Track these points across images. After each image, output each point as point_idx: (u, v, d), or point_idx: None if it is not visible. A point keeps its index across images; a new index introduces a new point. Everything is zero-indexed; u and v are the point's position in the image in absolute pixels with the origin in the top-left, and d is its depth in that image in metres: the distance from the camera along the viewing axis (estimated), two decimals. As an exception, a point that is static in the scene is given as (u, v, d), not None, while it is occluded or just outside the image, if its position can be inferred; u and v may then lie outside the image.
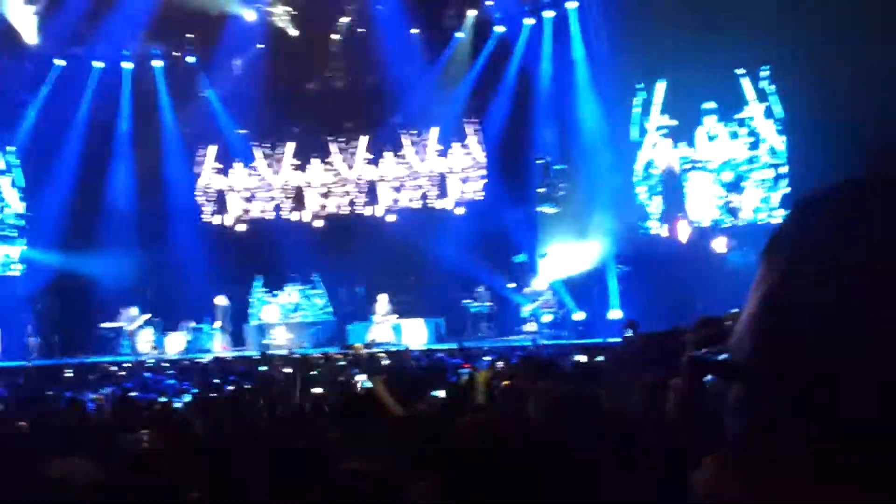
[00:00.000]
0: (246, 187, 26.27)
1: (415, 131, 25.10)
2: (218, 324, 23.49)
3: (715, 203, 20.92)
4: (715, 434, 0.96)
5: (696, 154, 21.03)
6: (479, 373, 7.46)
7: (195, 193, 26.21)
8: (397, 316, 22.49)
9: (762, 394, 0.88)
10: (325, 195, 25.93)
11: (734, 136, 20.62)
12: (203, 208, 26.24)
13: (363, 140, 25.60)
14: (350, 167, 25.74)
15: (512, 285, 22.54)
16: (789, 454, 0.85)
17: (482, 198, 24.24)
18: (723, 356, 1.00)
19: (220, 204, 26.31)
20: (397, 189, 25.50)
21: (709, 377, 1.29)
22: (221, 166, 26.33)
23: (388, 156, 25.40)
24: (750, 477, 0.89)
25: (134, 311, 23.61)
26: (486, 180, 24.44)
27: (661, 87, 21.03)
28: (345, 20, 24.80)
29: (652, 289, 19.77)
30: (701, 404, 2.22)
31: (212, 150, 26.21)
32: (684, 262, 20.51)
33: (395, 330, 22.17)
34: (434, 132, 24.81)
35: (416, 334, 21.92)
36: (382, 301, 22.66)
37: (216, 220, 26.24)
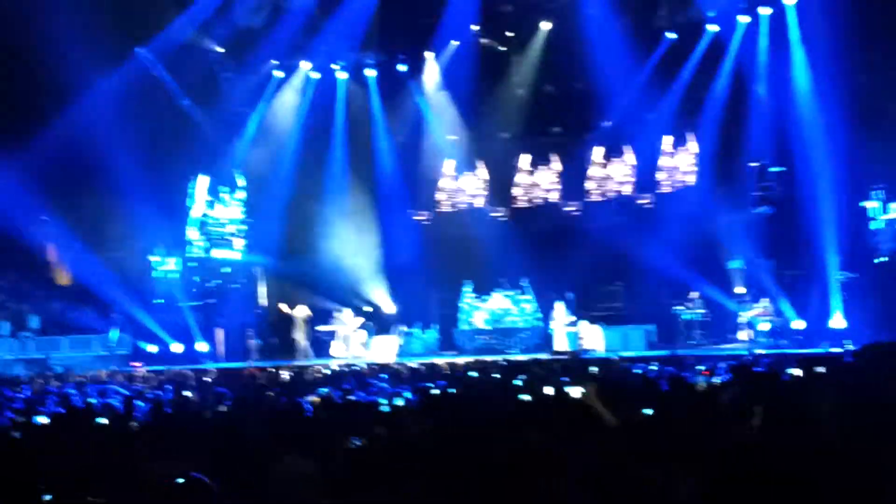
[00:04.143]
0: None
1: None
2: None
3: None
4: None
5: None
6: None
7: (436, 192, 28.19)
8: (574, 321, 23.65)
9: None
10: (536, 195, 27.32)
11: None
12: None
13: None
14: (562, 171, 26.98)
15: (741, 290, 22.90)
16: None
17: (694, 199, 24.73)
18: None
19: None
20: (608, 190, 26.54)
21: None
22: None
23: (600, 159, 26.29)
24: None
25: (349, 314, 25.57)
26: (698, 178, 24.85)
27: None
28: (550, 24, 26.02)
29: (880, 296, 19.80)
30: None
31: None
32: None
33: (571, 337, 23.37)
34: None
35: (597, 341, 23.02)
36: (559, 309, 23.91)
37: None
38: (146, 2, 23.94)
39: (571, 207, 27.01)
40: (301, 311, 25.55)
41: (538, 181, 27.65)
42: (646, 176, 26.18)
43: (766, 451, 3.99)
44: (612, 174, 26.57)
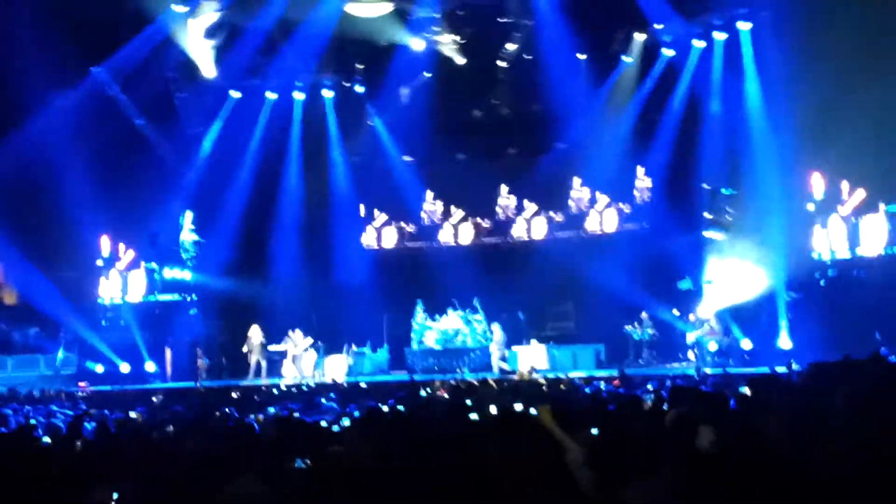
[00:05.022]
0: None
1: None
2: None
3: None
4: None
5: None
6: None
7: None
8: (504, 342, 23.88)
9: None
10: (485, 222, 27.42)
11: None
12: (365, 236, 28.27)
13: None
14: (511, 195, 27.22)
15: (676, 312, 23.19)
16: None
17: (645, 225, 25.02)
18: None
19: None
20: (551, 214, 26.73)
21: None
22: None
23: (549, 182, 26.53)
24: None
25: (299, 335, 25.42)
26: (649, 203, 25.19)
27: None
28: (511, 47, 26.18)
29: (825, 317, 20.06)
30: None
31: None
32: (866, 288, 20.73)
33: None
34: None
35: (537, 360, 23.05)
36: (496, 330, 24.10)
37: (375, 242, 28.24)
38: (102, 22, 23.72)
39: (524, 228, 27.01)
40: (255, 332, 25.35)
41: (493, 202, 27.62)
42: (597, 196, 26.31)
43: (717, 465, 4.01)
44: (566, 195, 26.65)
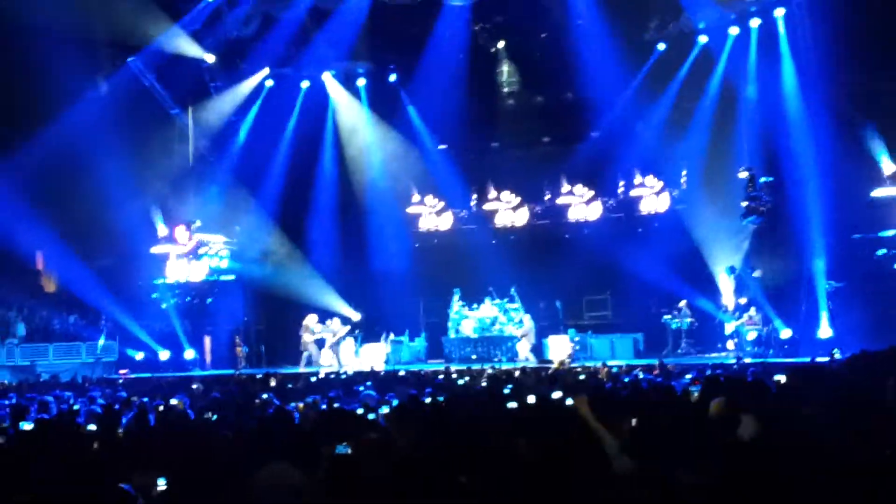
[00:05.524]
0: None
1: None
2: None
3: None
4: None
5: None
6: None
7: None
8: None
9: None
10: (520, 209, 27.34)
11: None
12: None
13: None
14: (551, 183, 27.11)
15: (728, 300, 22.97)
16: None
17: (684, 212, 24.84)
18: None
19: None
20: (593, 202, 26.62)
21: None
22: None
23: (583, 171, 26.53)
24: None
25: (337, 323, 25.54)
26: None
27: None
28: (541, 35, 26.03)
29: (868, 305, 19.85)
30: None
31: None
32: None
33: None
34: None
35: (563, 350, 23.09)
36: (527, 321, 24.35)
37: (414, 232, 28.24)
38: (138, 12, 23.86)
39: (581, 211, 26.95)
40: (311, 319, 25.50)
41: (528, 191, 27.52)
42: (633, 187, 26.22)
43: (760, 453, 3.96)
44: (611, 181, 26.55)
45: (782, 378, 10.15)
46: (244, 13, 25.23)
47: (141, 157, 25.52)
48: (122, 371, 23.94)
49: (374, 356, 24.95)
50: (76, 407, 11.90)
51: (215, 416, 10.67)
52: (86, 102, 24.73)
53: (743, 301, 22.26)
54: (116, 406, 11.30)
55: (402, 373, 19.52)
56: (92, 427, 9.25)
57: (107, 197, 24.49)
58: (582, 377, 15.23)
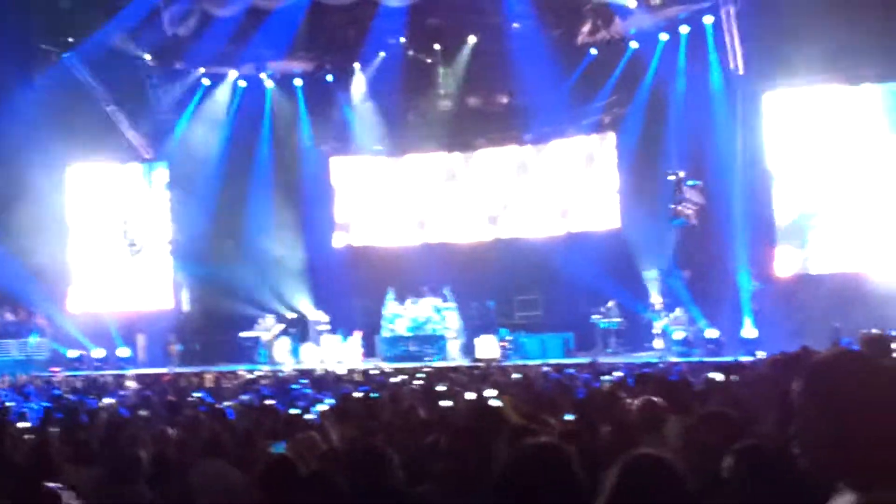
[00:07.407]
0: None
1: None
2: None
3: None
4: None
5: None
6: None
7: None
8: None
9: None
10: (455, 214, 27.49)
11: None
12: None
13: (494, 156, 26.91)
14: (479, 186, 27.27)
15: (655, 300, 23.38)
16: None
17: (613, 214, 25.19)
18: None
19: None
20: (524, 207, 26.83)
21: None
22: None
23: (517, 175, 26.71)
24: None
25: (271, 320, 25.36)
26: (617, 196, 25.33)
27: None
28: (476, 38, 26.18)
29: (789, 307, 20.28)
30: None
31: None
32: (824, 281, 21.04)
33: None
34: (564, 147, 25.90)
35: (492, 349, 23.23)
36: (453, 319, 24.64)
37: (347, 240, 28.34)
38: (74, 7, 23.51)
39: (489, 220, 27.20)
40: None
41: (462, 192, 27.72)
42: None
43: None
44: (529, 191, 26.85)
45: (718, 376, 10.58)
46: (181, 11, 24.96)
47: (75, 155, 25.05)
48: (54, 369, 23.58)
49: (310, 355, 24.72)
50: (10, 404, 11.78)
51: (148, 414, 10.72)
52: (18, 98, 24.26)
53: (669, 301, 22.67)
54: (48, 404, 11.22)
55: (337, 371, 19.56)
56: (24, 425, 9.20)
57: (40, 194, 24.10)
58: (516, 375, 15.34)
